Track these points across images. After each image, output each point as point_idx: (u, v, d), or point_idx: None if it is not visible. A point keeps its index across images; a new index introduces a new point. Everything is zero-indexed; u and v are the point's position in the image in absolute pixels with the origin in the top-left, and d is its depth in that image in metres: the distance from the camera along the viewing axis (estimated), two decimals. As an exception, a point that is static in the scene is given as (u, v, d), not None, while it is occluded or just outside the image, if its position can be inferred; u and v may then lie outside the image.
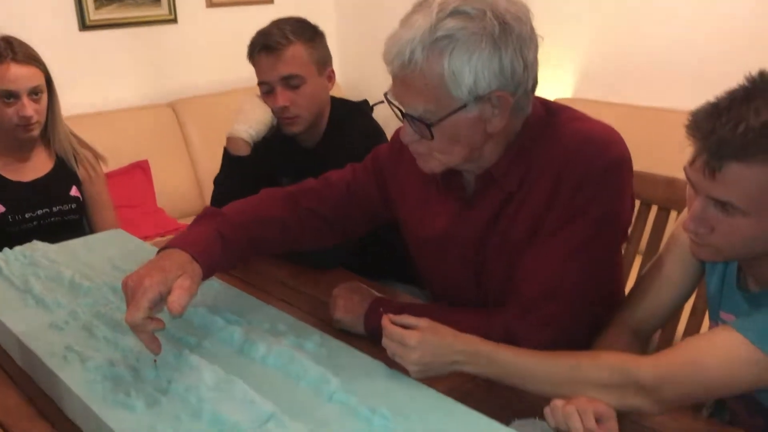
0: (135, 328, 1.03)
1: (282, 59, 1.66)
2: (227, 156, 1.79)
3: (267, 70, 1.69)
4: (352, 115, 1.80)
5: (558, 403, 0.96)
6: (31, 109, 1.83)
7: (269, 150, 1.84)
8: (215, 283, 1.40)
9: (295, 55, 1.67)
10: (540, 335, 1.13)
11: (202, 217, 1.26)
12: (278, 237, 1.32)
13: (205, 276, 1.14)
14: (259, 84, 1.73)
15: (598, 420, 0.94)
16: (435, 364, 1.04)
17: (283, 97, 1.69)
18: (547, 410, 0.98)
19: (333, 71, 1.79)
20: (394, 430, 0.93)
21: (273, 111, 1.74)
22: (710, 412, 1.24)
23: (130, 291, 1.04)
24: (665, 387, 0.96)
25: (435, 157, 1.15)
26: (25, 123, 1.84)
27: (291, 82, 1.69)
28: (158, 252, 1.15)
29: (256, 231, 1.27)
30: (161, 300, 1.05)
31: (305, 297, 1.51)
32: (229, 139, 1.78)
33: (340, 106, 1.82)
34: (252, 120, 1.75)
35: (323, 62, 1.74)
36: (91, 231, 2.05)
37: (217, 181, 1.82)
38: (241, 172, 1.76)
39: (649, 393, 0.97)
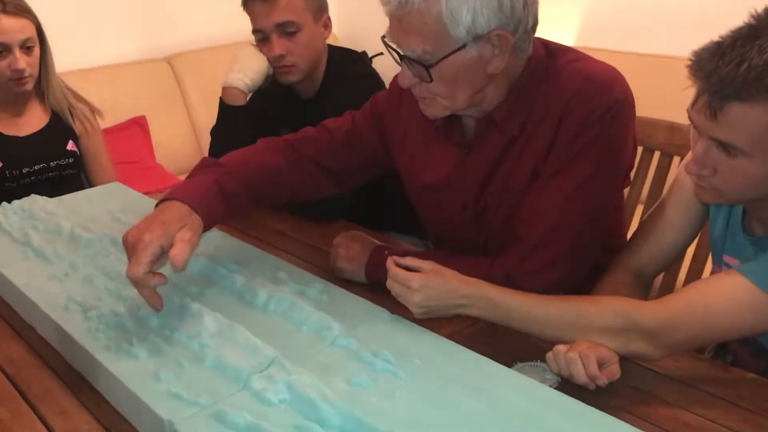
0: (136, 284, 1.02)
1: (277, 6, 1.63)
2: (223, 106, 1.77)
3: (261, 17, 1.65)
4: (350, 63, 1.77)
5: (561, 348, 0.96)
6: (23, 61, 1.81)
7: (267, 101, 1.82)
8: (216, 234, 1.40)
9: (290, 1, 1.63)
10: (541, 278, 1.12)
11: (199, 168, 1.25)
12: (278, 187, 1.31)
13: (206, 227, 1.13)
14: (254, 32, 1.70)
15: (600, 364, 0.94)
16: (438, 306, 1.04)
17: (278, 46, 1.66)
18: (549, 355, 0.98)
19: (329, 19, 1.75)
20: (396, 373, 0.93)
21: (268, 60, 1.71)
22: (712, 354, 1.24)
23: (130, 246, 1.03)
24: (669, 332, 0.96)
25: (438, 102, 1.13)
26: (18, 76, 1.82)
27: (286, 30, 1.65)
28: (157, 204, 1.13)
29: (255, 181, 1.26)
30: (163, 254, 1.04)
31: (306, 247, 1.50)
32: (224, 89, 1.76)
33: (338, 54, 1.79)
34: (247, 69, 1.72)
35: (319, 9, 1.70)
36: (90, 185, 2.04)
37: (214, 132, 1.80)
38: (238, 121, 1.74)
39: (652, 338, 0.96)
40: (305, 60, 1.69)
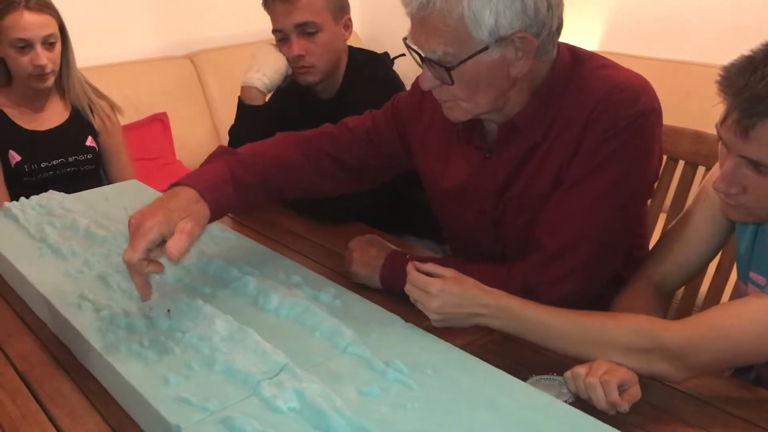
0: (130, 269, 1.01)
1: (297, 6, 1.61)
2: (242, 105, 1.76)
3: (281, 17, 1.64)
4: (370, 65, 1.75)
5: (580, 371, 0.93)
6: (44, 57, 1.81)
7: (285, 101, 1.80)
8: (231, 235, 1.39)
9: (311, 1, 1.62)
10: (558, 288, 1.10)
11: (214, 156, 1.24)
12: (293, 180, 1.30)
13: (214, 216, 1.11)
14: (274, 32, 1.69)
15: (620, 387, 0.91)
16: (456, 314, 1.02)
17: (297, 46, 1.65)
18: (567, 375, 0.95)
19: (350, 20, 1.73)
20: (408, 383, 0.91)
21: (288, 60, 1.70)
22: (732, 372, 1.21)
23: (132, 230, 1.03)
24: (693, 353, 0.93)
25: (460, 105, 1.11)
26: (39, 72, 1.83)
27: (306, 30, 1.64)
28: (168, 188, 1.12)
29: (270, 172, 1.25)
30: (163, 241, 1.02)
31: (321, 249, 1.49)
32: (243, 89, 1.75)
33: (359, 55, 1.77)
34: (265, 68, 1.72)
35: (340, 9, 1.69)
36: (108, 181, 2.04)
37: (232, 132, 1.79)
38: (256, 121, 1.73)
39: (675, 359, 0.93)
40: (324, 61, 1.68)
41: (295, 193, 1.36)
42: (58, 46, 1.86)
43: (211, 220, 1.11)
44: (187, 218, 1.04)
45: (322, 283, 1.19)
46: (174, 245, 1.01)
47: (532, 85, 1.13)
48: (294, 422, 0.84)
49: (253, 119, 1.74)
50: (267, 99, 1.80)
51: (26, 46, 1.80)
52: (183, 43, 3.31)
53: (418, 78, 1.36)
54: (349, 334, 1.00)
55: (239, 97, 1.76)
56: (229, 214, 1.64)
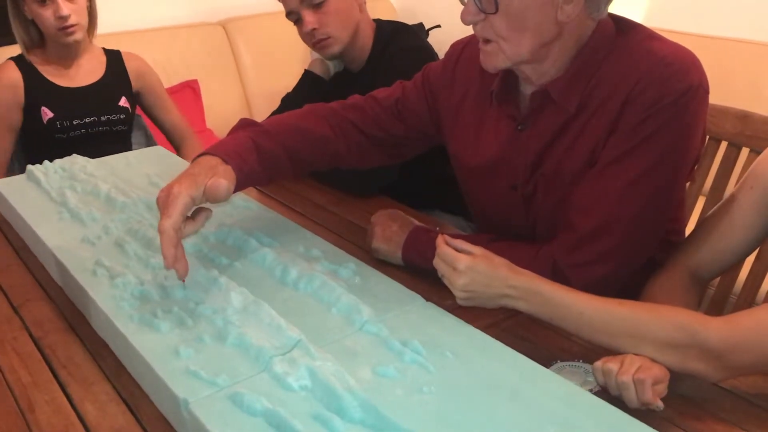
0: (165, 238, 0.97)
1: None
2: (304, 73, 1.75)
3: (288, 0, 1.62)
4: (398, 35, 1.69)
5: (612, 368, 0.88)
6: (66, 8, 1.79)
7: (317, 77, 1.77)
8: (252, 205, 1.36)
9: None
10: (589, 272, 1.05)
11: (236, 128, 1.21)
12: (319, 151, 1.26)
13: (240, 181, 1.08)
14: (288, 16, 1.65)
15: (653, 385, 0.86)
16: (483, 294, 0.97)
17: (308, 20, 1.61)
18: (597, 367, 0.90)
19: None
20: (425, 366, 0.87)
21: (305, 39, 1.66)
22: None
23: (162, 202, 1.00)
24: (734, 352, 0.87)
25: (501, 47, 1.05)
26: (63, 24, 1.80)
27: (312, 3, 1.59)
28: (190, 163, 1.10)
29: (294, 142, 1.21)
30: (194, 205, 1.00)
31: (345, 223, 1.45)
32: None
33: (387, 27, 1.72)
34: None
35: None
36: (161, 129, 2.05)
37: (285, 99, 1.77)
38: (310, 91, 1.72)
39: (714, 358, 0.87)
40: (339, 29, 1.63)
41: (322, 165, 1.32)
42: (82, 0, 1.84)
43: (237, 188, 1.08)
44: (216, 176, 1.02)
45: (343, 258, 1.15)
46: (212, 185, 1.00)
47: (577, 44, 1.07)
48: (305, 401, 0.81)
49: (306, 88, 1.74)
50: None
51: None
52: (215, 9, 3.28)
53: (453, 46, 1.31)
54: (366, 311, 0.97)
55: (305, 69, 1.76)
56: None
